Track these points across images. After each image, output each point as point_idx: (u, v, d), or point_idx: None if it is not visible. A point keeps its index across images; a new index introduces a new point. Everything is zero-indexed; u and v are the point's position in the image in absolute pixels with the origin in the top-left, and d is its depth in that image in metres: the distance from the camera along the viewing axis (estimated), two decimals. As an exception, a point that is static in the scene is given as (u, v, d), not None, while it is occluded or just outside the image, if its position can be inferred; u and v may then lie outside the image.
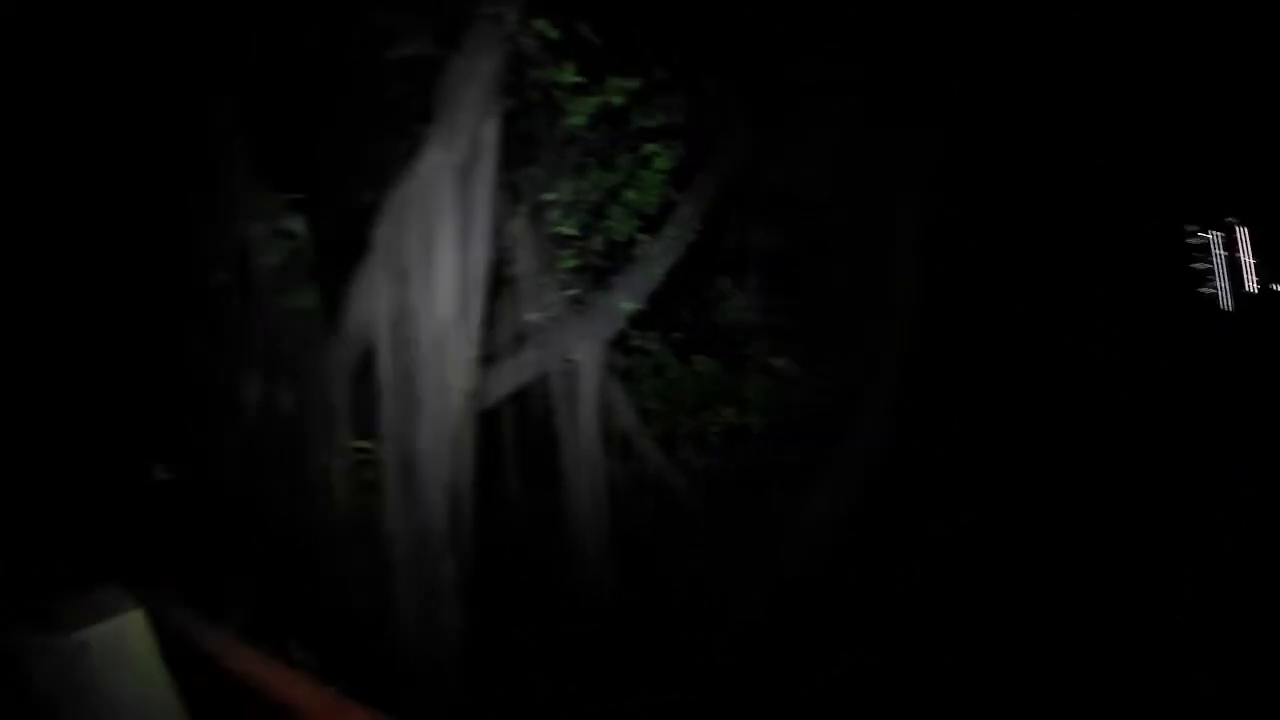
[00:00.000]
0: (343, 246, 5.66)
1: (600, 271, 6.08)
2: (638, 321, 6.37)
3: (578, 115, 5.46)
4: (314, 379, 5.34)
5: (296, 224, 5.25)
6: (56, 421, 5.16)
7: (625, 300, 5.96)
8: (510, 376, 5.53)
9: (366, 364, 5.38)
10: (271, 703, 2.53)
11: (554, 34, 5.35)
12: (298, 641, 4.61)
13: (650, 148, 5.81)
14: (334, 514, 5.29)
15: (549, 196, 5.50)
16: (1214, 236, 56.96)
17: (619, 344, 6.02)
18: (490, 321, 5.27)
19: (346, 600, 5.35)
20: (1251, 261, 57.20)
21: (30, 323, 4.89)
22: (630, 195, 5.90)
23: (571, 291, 5.82)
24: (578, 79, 5.43)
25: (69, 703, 3.09)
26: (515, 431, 5.89)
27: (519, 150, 5.47)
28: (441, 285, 5.17)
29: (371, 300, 5.20)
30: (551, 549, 5.49)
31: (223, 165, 5.47)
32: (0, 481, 4.64)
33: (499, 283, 5.41)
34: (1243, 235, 57.62)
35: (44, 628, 3.15)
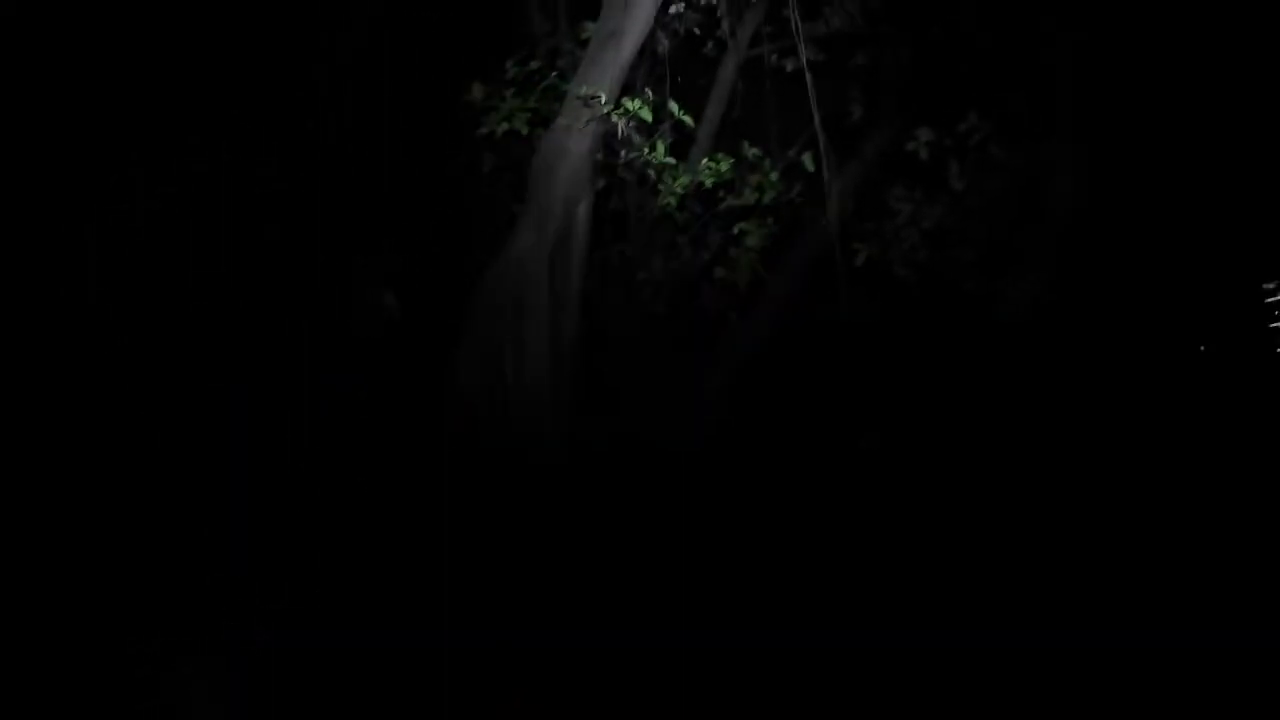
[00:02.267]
0: (439, 320, 5.80)
1: (692, 349, 6.05)
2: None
3: (669, 195, 5.51)
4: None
5: (390, 298, 5.38)
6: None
7: (717, 378, 5.93)
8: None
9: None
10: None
11: (646, 114, 5.40)
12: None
13: (741, 225, 5.83)
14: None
15: (641, 275, 5.55)
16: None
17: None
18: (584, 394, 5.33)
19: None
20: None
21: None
22: (721, 273, 5.94)
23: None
24: (668, 160, 5.48)
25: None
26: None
27: (611, 229, 5.54)
28: (532, 361, 5.26)
29: (466, 376, 5.31)
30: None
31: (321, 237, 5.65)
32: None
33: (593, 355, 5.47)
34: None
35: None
